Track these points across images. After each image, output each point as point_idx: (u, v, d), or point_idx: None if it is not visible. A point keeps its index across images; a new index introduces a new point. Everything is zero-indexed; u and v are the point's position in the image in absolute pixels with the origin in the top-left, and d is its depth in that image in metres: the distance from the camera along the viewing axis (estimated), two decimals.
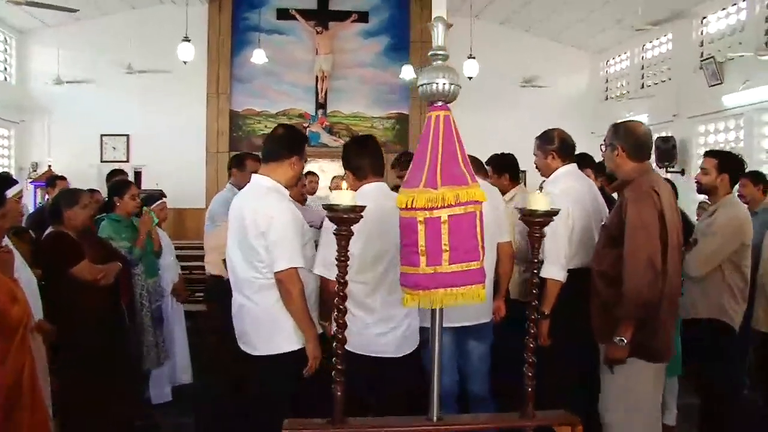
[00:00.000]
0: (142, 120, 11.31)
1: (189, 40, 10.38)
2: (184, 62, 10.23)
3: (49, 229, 4.53)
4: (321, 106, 12.61)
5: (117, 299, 4.64)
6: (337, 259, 2.46)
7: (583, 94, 13.19)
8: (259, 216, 3.42)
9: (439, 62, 2.62)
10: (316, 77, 12.51)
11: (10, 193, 3.64)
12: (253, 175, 3.73)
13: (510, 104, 12.62)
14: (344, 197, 2.42)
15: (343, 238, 2.44)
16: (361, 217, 2.46)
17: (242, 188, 5.02)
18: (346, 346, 2.54)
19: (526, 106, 12.39)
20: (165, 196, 5.79)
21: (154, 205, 5.49)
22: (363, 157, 3.69)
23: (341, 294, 2.47)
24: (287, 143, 3.68)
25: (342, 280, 2.47)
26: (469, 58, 11.28)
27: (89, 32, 11.12)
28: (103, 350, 4.37)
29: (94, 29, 11.15)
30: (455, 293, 2.50)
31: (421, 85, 2.60)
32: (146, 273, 5.12)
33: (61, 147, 10.92)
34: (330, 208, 2.39)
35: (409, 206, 2.51)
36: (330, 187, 8.78)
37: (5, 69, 11.11)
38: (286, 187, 3.63)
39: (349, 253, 2.46)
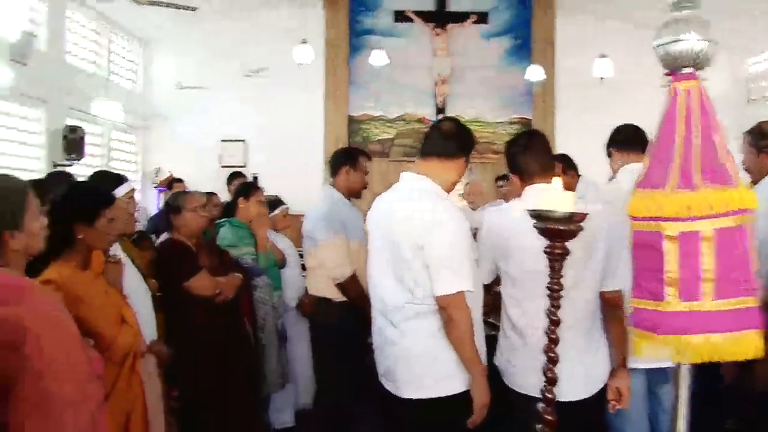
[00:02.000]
0: (258, 125, 10.87)
1: (306, 42, 9.83)
2: (300, 64, 9.73)
3: (164, 236, 3.98)
4: (440, 110, 11.89)
5: (238, 316, 4.03)
6: (550, 288, 1.70)
7: (724, 95, 11.91)
8: (417, 226, 2.71)
9: (687, 12, 1.81)
10: (435, 81, 11.85)
11: (120, 192, 3.08)
12: (404, 174, 2.98)
13: (647, 106, 11.49)
14: (560, 200, 1.65)
15: (558, 258, 1.67)
16: (581, 228, 1.69)
17: (353, 194, 4.44)
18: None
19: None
20: (284, 203, 5.19)
21: (277, 212, 4.88)
22: (531, 155, 2.90)
23: (553, 336, 1.70)
24: (460, 139, 2.95)
25: (555, 317, 1.70)
26: (600, 57, 10.31)
27: (208, 37, 10.80)
28: (222, 374, 3.78)
29: (213, 34, 10.82)
30: (720, 342, 1.68)
31: (661, 45, 1.81)
32: (271, 285, 4.49)
33: (182, 152, 10.62)
34: (541, 216, 1.63)
35: (650, 215, 1.71)
36: (465, 194, 7.99)
37: (133, 77, 10.95)
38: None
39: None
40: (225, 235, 4.35)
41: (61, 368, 1.89)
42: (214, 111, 10.77)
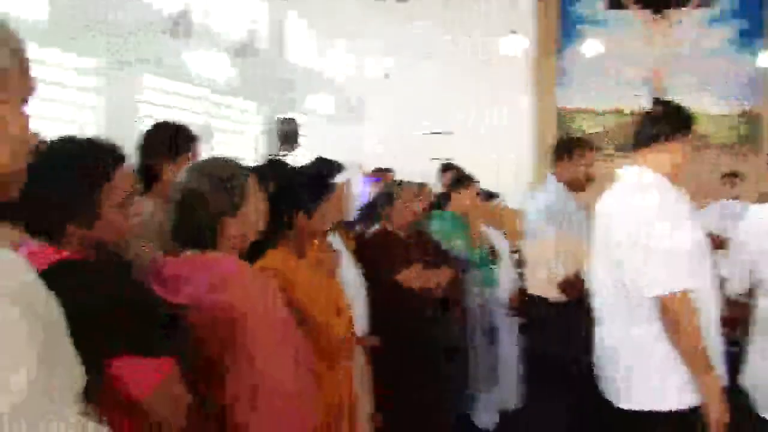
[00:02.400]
0: (466, 117, 10.68)
1: (515, 33, 9.49)
2: (508, 56, 9.40)
3: (375, 226, 3.88)
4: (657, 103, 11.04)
5: (449, 313, 3.84)
6: None
7: None
8: (631, 221, 2.45)
9: None
10: (651, 71, 11.01)
11: (340, 179, 2.98)
12: (627, 168, 2.67)
13: None
14: None
15: None
16: None
17: (576, 186, 4.06)
18: None
19: None
20: (498, 196, 4.93)
21: (490, 204, 4.64)
22: None
23: None
24: (671, 118, 2.62)
25: None
26: None
27: (416, 30, 10.79)
28: (428, 370, 3.61)
29: (419, 24, 10.79)
30: None
31: None
32: (483, 281, 4.25)
33: (389, 144, 10.69)
34: None
35: None
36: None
37: (343, 71, 11.22)
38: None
39: None
40: (437, 226, 4.18)
41: (272, 359, 1.81)
42: (421, 103, 10.74)
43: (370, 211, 4.49)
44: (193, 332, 1.77)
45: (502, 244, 4.67)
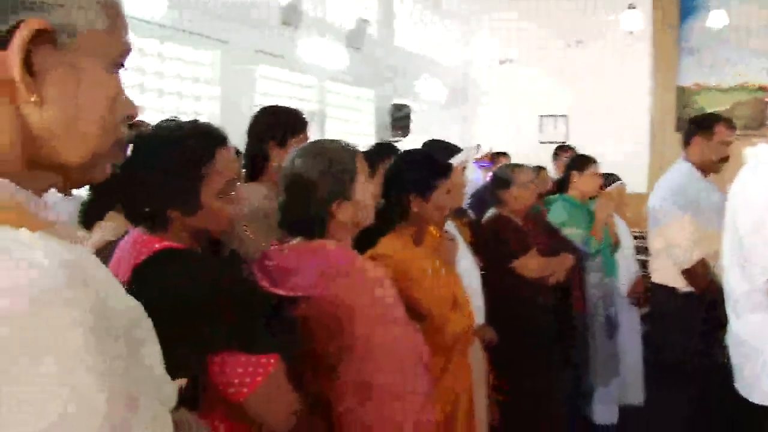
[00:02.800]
0: (580, 98, 10.17)
1: (634, 8, 8.96)
2: (626, 31, 8.87)
3: (491, 211, 3.68)
4: None
5: (568, 302, 3.60)
6: None
7: None
8: (756, 204, 2.26)
9: None
10: None
11: (456, 162, 2.80)
12: (757, 147, 2.38)
13: None
14: None
15: None
16: None
17: (709, 167, 3.69)
18: None
19: None
20: (619, 179, 4.59)
21: (611, 188, 4.32)
22: None
23: None
24: None
25: None
26: None
27: (528, 10, 10.38)
28: (546, 362, 3.39)
29: (532, 7, 10.36)
30: None
31: None
32: (603, 269, 3.98)
33: (501, 128, 10.36)
34: None
35: None
36: None
37: (454, 55, 10.99)
38: None
39: None
40: (556, 212, 3.93)
41: (384, 355, 1.67)
42: (533, 85, 10.34)
43: (484, 197, 4.29)
44: (300, 325, 1.66)
45: (623, 230, 4.36)
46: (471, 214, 4.25)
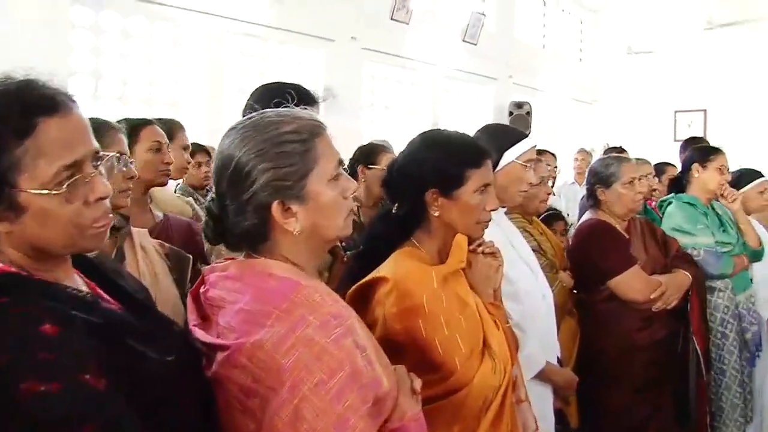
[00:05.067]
0: (720, 91, 8.69)
1: None
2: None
3: (586, 215, 2.85)
4: None
5: (682, 331, 2.71)
6: None
7: None
8: None
9: None
10: None
11: (515, 152, 2.05)
12: None
13: None
14: None
15: None
16: None
17: None
18: None
19: None
20: (762, 175, 3.54)
21: (749, 187, 3.30)
22: None
23: None
24: None
25: None
26: None
27: None
28: (648, 407, 2.54)
29: None
30: None
31: None
32: (735, 286, 2.99)
33: (631, 125, 9.11)
34: None
35: None
36: None
37: (579, 48, 9.93)
38: None
39: None
40: (672, 216, 3.00)
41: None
42: (667, 77, 9.03)
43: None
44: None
45: (764, 237, 3.29)
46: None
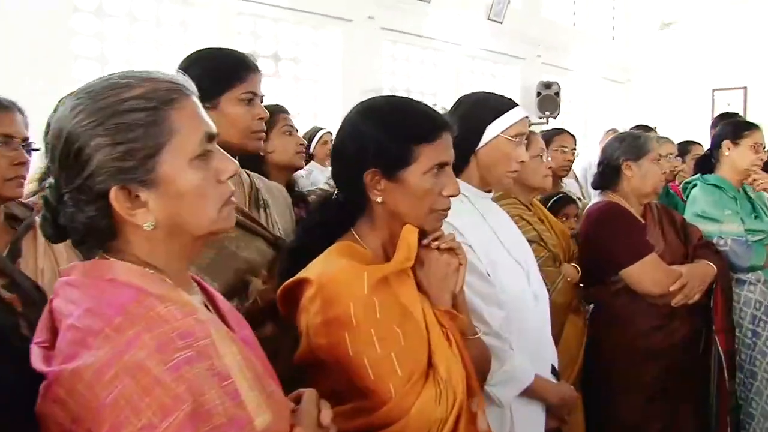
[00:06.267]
0: (761, 66, 8.06)
1: None
2: None
3: (596, 197, 2.48)
4: None
5: (704, 330, 2.32)
6: None
7: None
8: None
9: None
10: None
11: (501, 125, 1.70)
12: None
13: None
14: None
15: None
16: None
17: None
18: None
19: None
20: None
21: None
22: None
23: None
24: None
25: None
26: None
27: None
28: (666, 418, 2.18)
29: None
30: None
31: None
32: (766, 278, 2.57)
33: (667, 104, 8.53)
34: None
35: None
36: None
37: (612, 25, 9.35)
38: None
39: None
40: (696, 200, 2.59)
41: None
42: (704, 53, 8.41)
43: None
44: None
45: None
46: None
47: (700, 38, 8.44)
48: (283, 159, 2.28)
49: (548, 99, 7.44)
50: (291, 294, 1.23)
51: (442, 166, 1.25)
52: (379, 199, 1.24)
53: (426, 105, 1.31)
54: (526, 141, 1.81)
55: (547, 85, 7.49)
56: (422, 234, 1.27)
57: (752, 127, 2.66)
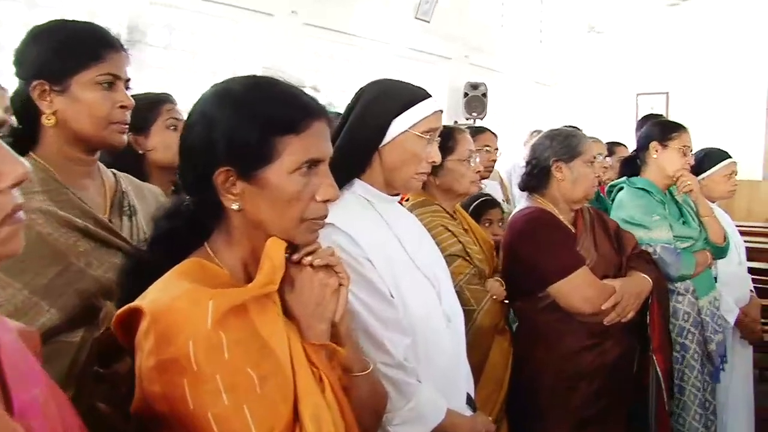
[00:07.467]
0: (683, 72, 8.15)
1: None
2: None
3: (522, 203, 2.26)
4: None
5: (637, 346, 2.13)
6: None
7: None
8: None
9: None
10: None
11: (412, 118, 1.43)
12: None
13: None
14: None
15: None
16: None
17: None
18: None
19: None
20: (729, 156, 2.97)
21: (713, 170, 2.70)
22: None
23: None
24: None
25: None
26: None
27: None
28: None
29: None
30: None
31: None
32: (697, 288, 2.40)
33: (592, 107, 8.48)
34: None
35: None
36: None
37: (538, 27, 9.30)
38: None
39: None
40: (623, 205, 2.40)
41: None
42: (629, 58, 8.48)
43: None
44: None
45: (729, 229, 2.68)
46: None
47: (626, 44, 8.52)
48: (166, 157, 1.88)
49: (475, 100, 7.29)
50: (127, 327, 0.94)
51: (314, 163, 0.98)
52: (235, 206, 0.96)
53: (295, 87, 1.03)
54: (439, 138, 1.55)
55: (475, 86, 7.34)
56: (292, 248, 0.99)
57: (680, 128, 2.50)
